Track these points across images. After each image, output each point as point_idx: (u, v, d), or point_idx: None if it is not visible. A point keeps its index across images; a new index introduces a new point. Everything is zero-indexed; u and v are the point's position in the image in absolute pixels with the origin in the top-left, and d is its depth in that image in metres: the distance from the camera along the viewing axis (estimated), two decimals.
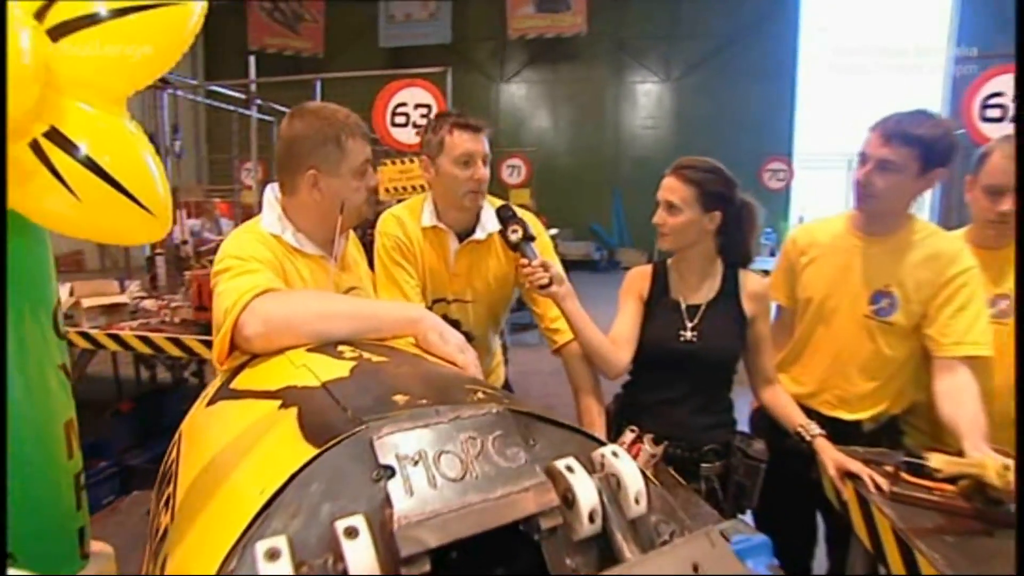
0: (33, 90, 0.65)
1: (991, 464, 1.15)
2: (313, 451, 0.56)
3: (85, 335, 2.92)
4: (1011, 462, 1.13)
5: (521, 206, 1.64)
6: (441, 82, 4.08)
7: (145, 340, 2.87)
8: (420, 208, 1.67)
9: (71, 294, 3.07)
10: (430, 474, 0.55)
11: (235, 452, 0.68)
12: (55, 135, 0.67)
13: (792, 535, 1.74)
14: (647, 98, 13.90)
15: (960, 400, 1.40)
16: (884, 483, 1.32)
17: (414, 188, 3.77)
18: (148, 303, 3.28)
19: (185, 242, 4.41)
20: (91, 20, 0.72)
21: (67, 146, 0.68)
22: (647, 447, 1.39)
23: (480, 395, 0.70)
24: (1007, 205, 1.48)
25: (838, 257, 1.61)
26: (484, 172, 1.57)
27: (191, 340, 2.79)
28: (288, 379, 0.80)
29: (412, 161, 3.81)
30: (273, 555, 0.47)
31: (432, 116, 1.69)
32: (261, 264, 1.13)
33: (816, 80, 12.96)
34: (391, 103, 4.00)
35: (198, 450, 0.80)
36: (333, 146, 1.24)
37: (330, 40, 13.74)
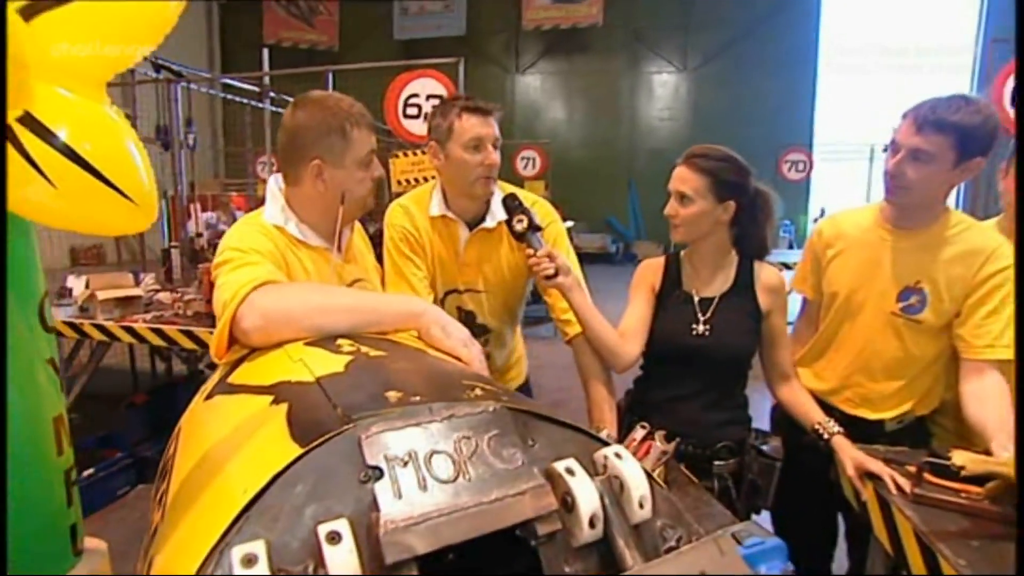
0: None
1: None
2: (298, 450, 0.54)
3: (100, 327, 2.95)
4: None
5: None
6: (453, 73, 4.04)
7: (158, 332, 2.90)
8: (427, 197, 1.64)
9: (86, 286, 3.11)
10: (420, 476, 0.53)
11: (224, 449, 0.66)
12: (29, 121, 0.65)
13: (812, 535, 1.69)
14: (663, 89, 13.73)
15: (988, 401, 1.34)
16: (906, 484, 1.27)
17: (426, 180, 3.74)
18: (162, 296, 3.30)
19: (200, 235, 4.44)
20: None
21: (42, 132, 0.66)
22: (658, 444, 1.36)
23: (478, 391, 0.68)
24: None
25: (866, 251, 1.54)
26: (495, 156, 1.53)
27: (204, 332, 2.81)
28: (283, 374, 0.78)
29: (424, 153, 3.78)
30: (250, 561, 0.45)
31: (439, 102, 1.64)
32: (262, 256, 1.11)
33: (837, 69, 12.71)
34: (403, 94, 3.97)
35: (193, 446, 0.78)
36: (337, 136, 1.22)
37: (345, 33, 13.77)
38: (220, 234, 4.76)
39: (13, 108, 0.64)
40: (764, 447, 1.47)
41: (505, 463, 0.56)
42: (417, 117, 3.93)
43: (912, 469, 1.30)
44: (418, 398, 0.61)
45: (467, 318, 1.67)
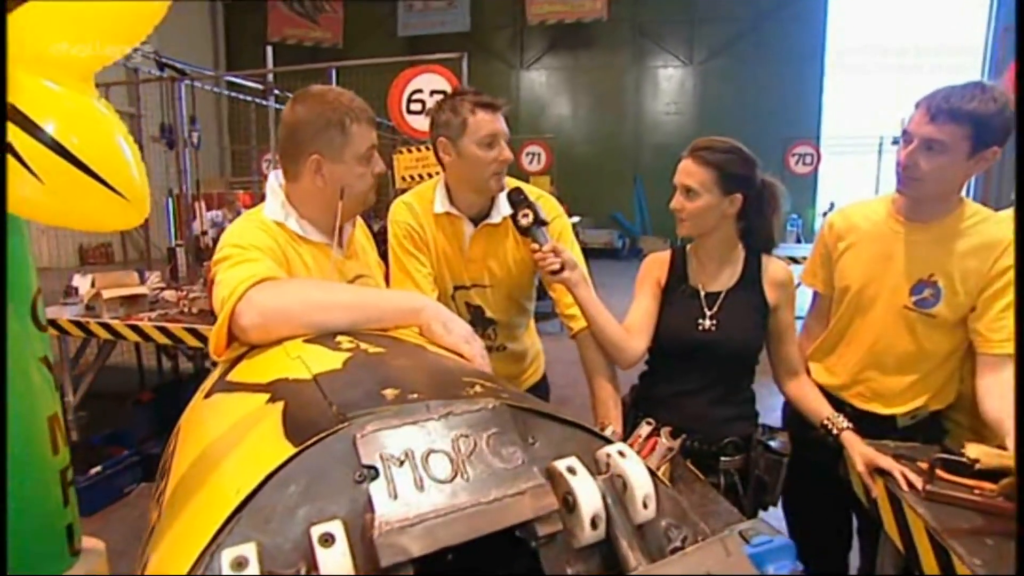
0: None
1: None
2: (292, 449, 0.53)
3: (105, 326, 2.96)
4: None
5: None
6: (457, 68, 4.02)
7: (163, 331, 2.90)
8: (431, 194, 1.63)
9: (92, 285, 3.12)
10: (416, 475, 0.51)
11: (220, 448, 0.65)
12: (15, 114, 0.64)
13: (825, 533, 1.67)
14: (669, 83, 13.65)
15: (1006, 395, 1.31)
16: (917, 480, 1.25)
17: (430, 175, 3.72)
18: (168, 294, 3.30)
19: (205, 233, 4.44)
20: None
21: (28, 126, 0.64)
22: (664, 440, 1.34)
23: (478, 388, 0.66)
24: None
25: (878, 244, 1.51)
26: (508, 152, 1.53)
27: (208, 330, 2.79)
28: (281, 371, 0.76)
29: (428, 148, 3.77)
30: (240, 563, 0.43)
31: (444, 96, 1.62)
32: (261, 252, 1.10)
33: (845, 62, 12.58)
34: (407, 91, 3.95)
35: (190, 445, 0.77)
36: (337, 131, 1.20)
37: (349, 30, 13.77)
38: None
39: None
40: (771, 443, 1.45)
41: (504, 462, 0.55)
42: (421, 113, 3.90)
43: (924, 465, 1.28)
44: (415, 395, 0.60)
45: (476, 312, 1.66)
